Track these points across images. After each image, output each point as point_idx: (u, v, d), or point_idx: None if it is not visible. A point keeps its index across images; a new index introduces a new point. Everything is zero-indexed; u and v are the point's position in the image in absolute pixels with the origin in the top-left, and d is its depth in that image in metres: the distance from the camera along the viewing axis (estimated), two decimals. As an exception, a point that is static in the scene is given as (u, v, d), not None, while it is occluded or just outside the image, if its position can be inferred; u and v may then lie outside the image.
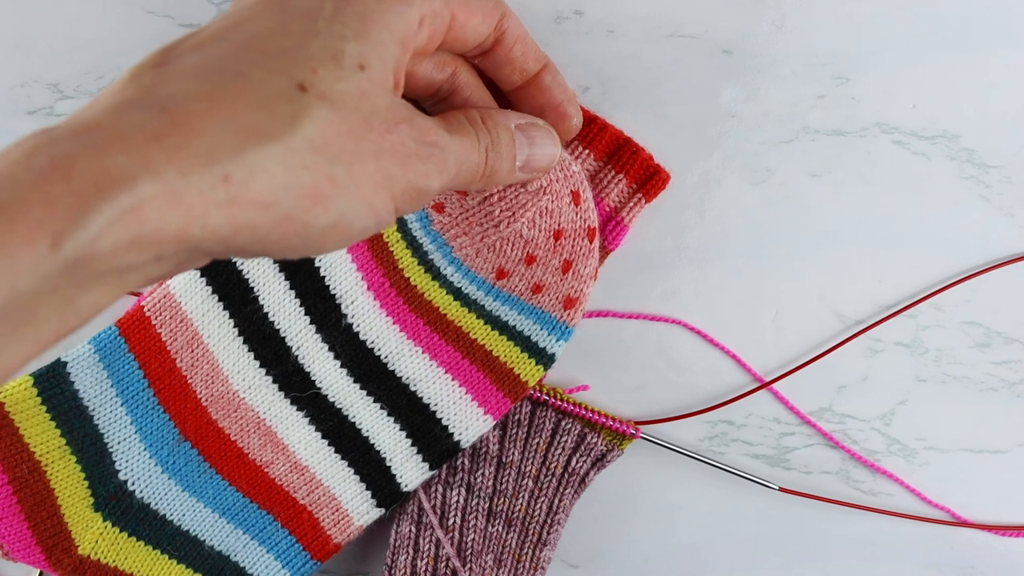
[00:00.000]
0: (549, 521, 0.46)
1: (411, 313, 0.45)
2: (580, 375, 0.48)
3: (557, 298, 0.44)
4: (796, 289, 0.48)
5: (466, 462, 0.46)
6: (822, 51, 0.48)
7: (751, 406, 0.48)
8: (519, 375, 0.45)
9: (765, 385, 0.48)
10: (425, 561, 0.45)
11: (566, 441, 0.47)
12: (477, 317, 0.45)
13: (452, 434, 0.45)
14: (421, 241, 0.44)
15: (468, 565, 0.45)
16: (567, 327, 0.45)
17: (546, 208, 0.43)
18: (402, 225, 0.44)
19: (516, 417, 0.47)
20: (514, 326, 0.45)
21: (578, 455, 0.47)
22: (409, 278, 0.45)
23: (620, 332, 0.49)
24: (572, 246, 0.44)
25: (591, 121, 0.45)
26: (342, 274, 0.44)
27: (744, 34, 0.48)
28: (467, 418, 0.45)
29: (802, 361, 0.48)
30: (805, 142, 0.48)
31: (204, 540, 0.45)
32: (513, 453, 0.46)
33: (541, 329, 0.45)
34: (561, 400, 0.46)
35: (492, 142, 0.35)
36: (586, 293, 0.44)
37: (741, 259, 0.48)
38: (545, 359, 0.45)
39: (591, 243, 0.44)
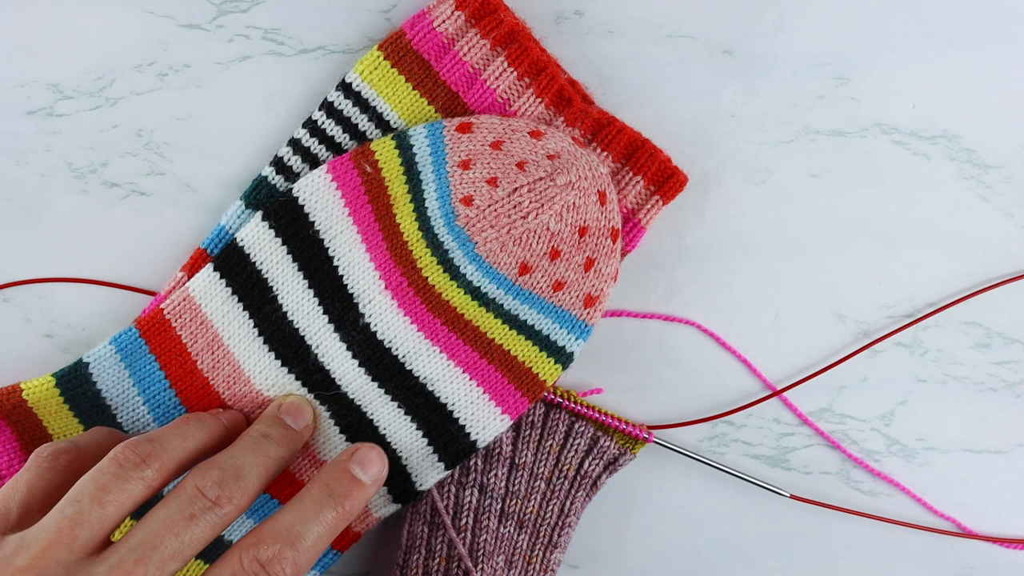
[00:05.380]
0: (560, 523, 0.46)
1: (429, 313, 0.45)
2: (582, 375, 0.48)
3: (578, 296, 0.45)
4: (796, 289, 0.48)
5: (479, 463, 0.46)
6: (822, 51, 0.48)
7: (751, 407, 0.48)
8: (537, 374, 0.45)
9: (777, 393, 0.48)
10: (437, 561, 0.45)
11: (579, 444, 0.47)
12: (495, 317, 0.45)
13: (469, 434, 0.45)
14: (443, 239, 0.44)
15: (480, 566, 0.45)
16: (586, 326, 0.45)
17: (573, 203, 0.44)
18: (424, 223, 0.45)
19: (530, 419, 0.47)
20: (532, 325, 0.45)
21: (591, 458, 0.47)
22: (427, 277, 0.45)
23: (620, 332, 0.49)
24: (596, 244, 0.44)
25: (608, 123, 0.46)
26: (360, 273, 0.44)
27: (744, 34, 0.48)
28: (484, 418, 0.45)
29: (803, 362, 0.48)
30: (805, 142, 0.48)
31: (224, 536, 0.45)
32: (526, 455, 0.46)
33: (560, 328, 0.45)
34: (574, 403, 0.46)
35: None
36: (606, 293, 0.45)
37: (741, 259, 0.48)
38: (564, 358, 0.45)
39: (614, 243, 0.44)
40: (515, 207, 0.44)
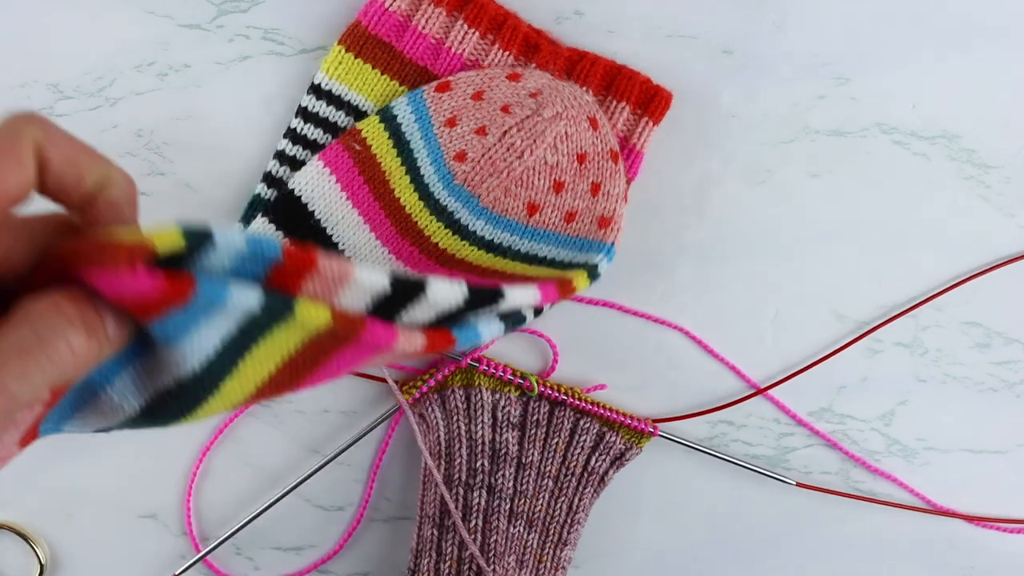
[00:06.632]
0: (569, 521, 0.46)
1: (448, 273, 0.44)
2: (584, 372, 0.48)
3: (591, 221, 0.44)
4: (796, 289, 0.48)
5: (486, 464, 0.46)
6: (822, 51, 0.48)
7: (751, 407, 0.48)
8: (566, 277, 0.41)
9: (760, 391, 0.48)
10: (448, 563, 0.45)
11: (585, 440, 0.47)
12: (514, 260, 0.44)
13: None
14: (445, 203, 0.44)
15: (491, 566, 0.44)
16: (605, 245, 0.44)
17: (565, 133, 0.44)
18: (423, 191, 0.45)
19: (535, 417, 0.47)
20: (552, 258, 0.44)
21: (597, 454, 0.47)
22: (438, 243, 0.45)
23: (621, 331, 0.48)
24: (597, 168, 0.44)
25: (581, 57, 0.46)
26: (367, 254, 0.44)
27: (744, 34, 0.48)
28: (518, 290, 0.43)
29: (801, 362, 0.48)
30: (805, 142, 0.48)
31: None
32: (533, 454, 0.46)
33: (581, 252, 0.44)
34: (579, 399, 0.46)
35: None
36: (619, 212, 0.44)
37: (741, 259, 0.48)
38: (590, 270, 0.42)
39: (615, 164, 0.44)
40: (509, 149, 0.44)
